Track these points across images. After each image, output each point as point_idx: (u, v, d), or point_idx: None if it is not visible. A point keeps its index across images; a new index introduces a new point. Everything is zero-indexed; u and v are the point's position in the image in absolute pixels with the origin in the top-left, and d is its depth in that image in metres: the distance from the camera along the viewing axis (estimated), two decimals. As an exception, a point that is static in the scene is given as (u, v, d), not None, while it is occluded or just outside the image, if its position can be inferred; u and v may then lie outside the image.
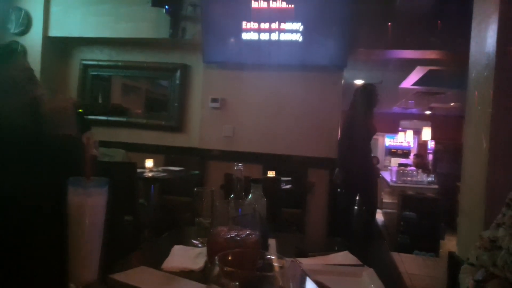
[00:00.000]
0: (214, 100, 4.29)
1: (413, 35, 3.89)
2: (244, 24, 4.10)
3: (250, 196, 1.21)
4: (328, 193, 4.16)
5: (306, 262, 1.10)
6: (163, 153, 4.48)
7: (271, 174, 3.42)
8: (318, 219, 4.09)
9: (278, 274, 0.47)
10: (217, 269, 0.62)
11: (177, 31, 4.33)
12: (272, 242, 1.21)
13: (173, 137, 4.64)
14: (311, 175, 4.08)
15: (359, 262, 1.14)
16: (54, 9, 4.73)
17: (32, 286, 0.79)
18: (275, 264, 0.54)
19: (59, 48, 4.87)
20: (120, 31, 4.52)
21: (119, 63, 4.87)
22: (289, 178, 3.69)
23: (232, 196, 1.16)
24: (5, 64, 1.17)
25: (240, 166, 1.21)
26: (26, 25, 4.71)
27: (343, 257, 1.19)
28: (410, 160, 9.61)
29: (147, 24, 4.44)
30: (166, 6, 4.20)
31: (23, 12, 4.69)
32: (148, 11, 4.35)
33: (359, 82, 6.34)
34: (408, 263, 4.04)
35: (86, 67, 4.92)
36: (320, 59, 3.99)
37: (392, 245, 4.98)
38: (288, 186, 3.57)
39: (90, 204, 0.71)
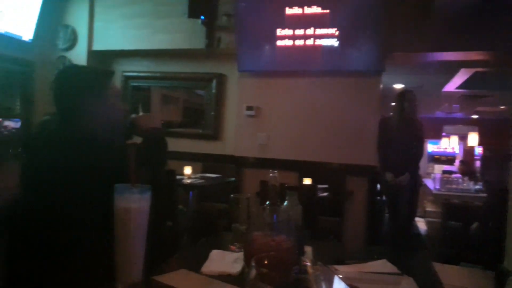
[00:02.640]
0: (249, 108, 4.33)
1: (455, 35, 3.73)
2: (278, 32, 4.13)
3: (285, 203, 1.23)
4: (367, 201, 4.08)
5: (343, 269, 1.10)
6: (200, 161, 4.58)
7: (307, 181, 3.40)
8: (356, 228, 4.02)
9: (312, 278, 0.48)
10: (253, 273, 0.64)
11: (212, 41, 4.43)
12: (308, 249, 1.22)
13: (209, 145, 4.73)
14: (349, 183, 4.02)
15: (397, 271, 1.12)
16: (97, 24, 4.98)
17: (83, 285, 0.84)
18: (310, 269, 0.56)
19: (102, 61, 5.11)
20: (157, 43, 4.69)
21: (158, 74, 5.04)
22: (326, 186, 3.65)
23: (267, 203, 1.18)
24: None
25: (275, 173, 1.23)
26: (72, 41, 4.99)
27: (381, 265, 1.17)
28: (455, 167, 9.22)
29: (183, 35, 4.57)
30: (202, 17, 4.31)
31: (70, 28, 4.98)
32: (184, 23, 4.48)
33: (398, 86, 6.19)
34: (452, 275, 3.86)
35: (126, 79, 5.13)
36: (357, 64, 3.94)
37: (435, 255, 4.79)
38: (325, 194, 3.54)
39: (134, 209, 0.75)
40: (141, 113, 1.53)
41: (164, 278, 0.90)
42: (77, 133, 1.25)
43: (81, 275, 0.94)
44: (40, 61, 4.87)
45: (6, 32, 4.34)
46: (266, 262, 0.63)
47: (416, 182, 3.89)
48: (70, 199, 1.04)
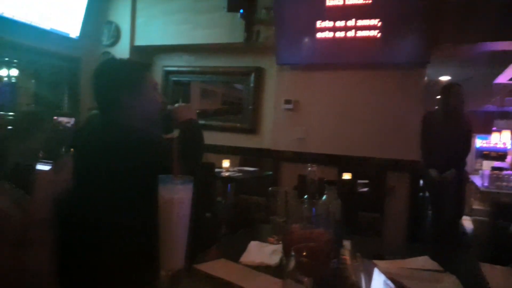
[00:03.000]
0: (287, 101, 4.32)
1: (509, 24, 3.52)
2: (318, 24, 4.08)
3: (324, 197, 1.22)
4: (409, 198, 3.97)
5: (382, 265, 1.08)
6: (238, 154, 4.63)
7: (346, 176, 3.35)
8: (397, 224, 3.91)
9: (351, 269, 0.48)
10: (292, 264, 0.65)
11: (251, 34, 4.44)
12: (346, 243, 1.21)
13: (247, 138, 4.77)
14: (390, 178, 3.91)
15: (440, 268, 1.09)
16: (139, 20, 5.13)
17: (131, 271, 0.89)
18: (349, 261, 0.56)
19: (144, 56, 5.26)
20: (197, 38, 4.76)
21: (197, 69, 5.13)
22: (366, 181, 3.58)
23: (306, 196, 1.18)
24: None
25: (313, 167, 1.23)
26: (116, 37, 5.18)
27: (423, 261, 1.14)
28: (507, 163, 8.70)
29: (223, 29, 4.62)
30: (241, 11, 4.33)
31: (113, 25, 5.17)
32: (223, 17, 4.52)
33: (445, 79, 5.93)
34: (499, 276, 3.69)
35: (167, 73, 5.26)
36: (400, 56, 3.81)
37: (482, 255, 4.58)
38: (365, 189, 3.48)
39: (177, 199, 0.77)
40: (177, 104, 1.56)
41: (204, 267, 0.93)
42: (117, 125, 1.29)
43: (128, 262, 0.99)
44: (86, 57, 5.10)
45: (54, 29, 4.57)
46: (304, 253, 0.64)
47: (462, 179, 3.73)
48: (114, 191, 1.09)
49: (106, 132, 1.26)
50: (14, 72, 4.60)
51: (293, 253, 0.62)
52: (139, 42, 5.14)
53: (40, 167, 0.91)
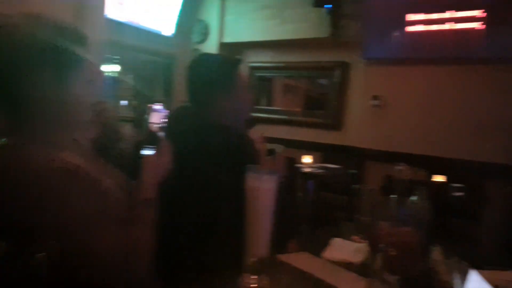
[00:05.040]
0: (374, 97, 4.15)
1: None
2: (410, 16, 3.85)
3: (413, 198, 1.17)
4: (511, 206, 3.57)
5: (483, 274, 1.00)
6: (320, 151, 4.58)
7: (438, 178, 3.13)
8: (495, 233, 3.55)
9: (441, 270, 0.46)
10: (379, 262, 0.63)
11: (337, 29, 4.35)
12: (437, 247, 1.14)
13: (330, 135, 4.69)
14: (490, 184, 3.55)
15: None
16: (227, 17, 5.32)
17: (219, 255, 0.94)
18: (441, 263, 0.53)
19: (231, 53, 5.44)
20: (283, 33, 4.79)
21: (281, 64, 5.16)
22: (461, 185, 3.30)
23: (393, 196, 1.14)
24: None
25: (401, 167, 1.17)
26: (205, 34, 5.44)
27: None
28: None
29: (308, 24, 4.58)
30: (328, 5, 4.26)
31: (203, 23, 5.43)
32: (309, 12, 4.49)
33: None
34: None
35: (252, 69, 5.38)
36: (507, 50, 3.41)
37: None
38: (459, 194, 3.21)
39: (262, 189, 0.80)
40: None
41: (287, 258, 0.95)
42: (207, 118, 1.35)
43: (217, 246, 1.05)
44: (179, 54, 5.44)
45: (151, 28, 4.96)
46: (392, 252, 0.62)
47: None
48: (206, 181, 1.16)
49: (197, 128, 1.31)
50: (116, 68, 5.08)
51: (380, 253, 0.61)
52: (227, 39, 5.33)
53: (144, 152, 1.00)
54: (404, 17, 3.87)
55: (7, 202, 0.73)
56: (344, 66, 4.60)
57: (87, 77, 0.90)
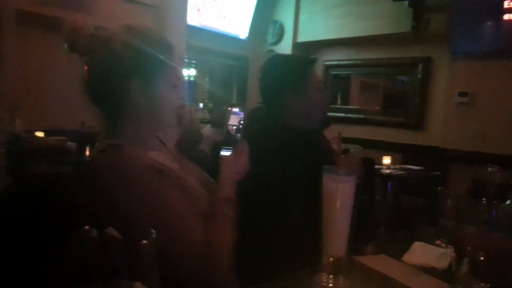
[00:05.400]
0: (461, 94, 3.86)
1: None
2: (507, 4, 3.49)
3: (507, 202, 1.07)
4: None
5: None
6: (400, 151, 4.37)
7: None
8: None
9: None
10: (465, 268, 0.60)
11: (420, 23, 4.11)
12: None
13: (412, 134, 4.45)
14: None
15: None
16: (302, 17, 5.31)
17: (296, 255, 0.96)
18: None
19: (305, 52, 5.42)
20: (360, 30, 4.66)
21: (358, 62, 5.03)
22: None
23: (483, 199, 1.06)
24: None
25: (493, 168, 1.09)
26: (280, 35, 5.49)
27: None
28: None
29: (387, 20, 4.40)
30: (409, -1, 4.06)
31: (278, 24, 5.49)
32: (388, 7, 4.31)
33: None
34: None
35: (327, 68, 5.31)
36: None
37: None
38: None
39: (340, 189, 0.80)
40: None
41: (364, 259, 0.93)
42: (281, 119, 1.36)
43: (293, 245, 1.07)
44: (253, 56, 5.56)
45: (226, 32, 5.14)
46: (482, 258, 0.58)
47: None
48: (283, 182, 1.18)
49: (271, 129, 1.34)
50: (193, 72, 5.35)
51: (467, 259, 0.58)
52: (302, 38, 5.32)
53: (223, 152, 1.05)
54: (500, 6, 3.52)
55: (110, 196, 0.82)
56: (427, 62, 4.34)
57: (171, 82, 0.97)
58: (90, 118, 1.00)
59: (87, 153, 2.68)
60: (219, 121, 3.32)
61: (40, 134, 3.08)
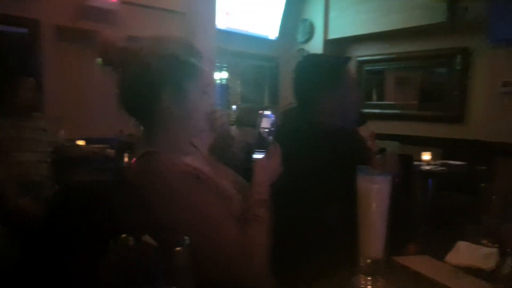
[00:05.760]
0: (505, 84, 3.66)
1: None
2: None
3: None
4: None
5: None
6: (440, 146, 4.21)
7: None
8: None
9: None
10: (508, 269, 0.57)
11: (456, 11, 3.95)
12: None
13: (452, 128, 4.28)
14: None
15: None
16: (332, 14, 5.24)
17: (333, 257, 0.95)
18: None
19: (337, 49, 5.34)
20: (392, 23, 4.54)
21: (393, 56, 4.90)
22: None
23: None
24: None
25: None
26: (310, 33, 5.44)
27: None
28: None
29: (421, 10, 4.26)
30: (444, -12, 3.90)
31: (308, 22, 5.44)
32: (421, -3, 4.18)
33: None
34: None
35: (360, 64, 5.20)
36: None
37: None
38: None
39: (376, 190, 0.78)
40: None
41: (404, 260, 0.91)
42: (316, 119, 1.35)
43: (329, 246, 1.05)
44: (283, 56, 5.55)
45: (256, 33, 5.16)
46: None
47: None
48: (317, 183, 1.17)
49: (306, 130, 1.33)
50: (224, 75, 5.41)
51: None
52: (333, 35, 5.25)
53: (256, 155, 1.06)
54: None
55: (147, 202, 0.84)
56: (466, 52, 4.16)
57: (202, 88, 0.98)
58: (129, 126, 1.03)
59: (125, 159, 2.77)
60: (243, 121, 3.37)
61: (81, 142, 3.22)
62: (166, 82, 0.92)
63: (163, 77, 0.92)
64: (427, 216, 3.29)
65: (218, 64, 5.09)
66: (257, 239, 0.87)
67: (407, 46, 4.70)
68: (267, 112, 1.13)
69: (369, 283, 0.78)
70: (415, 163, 3.36)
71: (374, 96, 5.24)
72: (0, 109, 2.43)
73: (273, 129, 1.10)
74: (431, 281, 0.82)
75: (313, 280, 0.83)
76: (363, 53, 5.18)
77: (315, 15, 5.37)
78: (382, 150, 1.38)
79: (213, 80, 1.22)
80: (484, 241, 1.12)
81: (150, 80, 0.92)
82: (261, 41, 5.28)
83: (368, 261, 0.78)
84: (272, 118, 1.11)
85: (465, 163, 3.63)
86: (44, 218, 2.19)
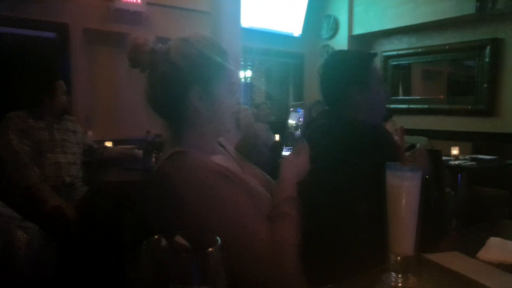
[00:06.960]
0: (537, 75, 3.53)
1: None
2: None
3: None
4: None
5: None
6: (470, 140, 4.09)
7: None
8: None
9: None
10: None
11: (485, 2, 3.82)
12: None
13: (482, 122, 4.16)
14: None
15: None
16: (356, 9, 5.17)
17: (363, 254, 0.94)
18: None
19: (362, 45, 5.28)
20: (419, 17, 4.44)
21: (419, 50, 4.79)
22: None
23: None
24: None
25: None
26: (334, 29, 5.39)
27: None
28: None
29: (448, 3, 4.15)
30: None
31: (332, 18, 5.39)
32: (448, -11, 4.07)
33: None
34: None
35: (386, 59, 5.12)
36: None
37: None
38: None
39: (405, 186, 0.77)
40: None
41: (435, 257, 0.89)
42: (344, 115, 1.35)
43: (357, 243, 1.05)
44: (308, 52, 5.51)
45: (281, 31, 5.15)
46: None
47: None
48: (346, 180, 1.16)
49: (334, 125, 1.33)
50: (249, 73, 5.42)
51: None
52: (358, 31, 5.19)
53: (284, 152, 1.06)
54: None
55: (177, 202, 0.86)
56: (496, 43, 4.03)
57: (228, 87, 0.99)
58: (156, 126, 1.05)
59: (153, 160, 2.82)
60: (262, 117, 3.38)
61: (109, 144, 3.30)
62: (194, 82, 0.94)
63: (190, 78, 0.93)
64: (459, 212, 3.21)
65: (242, 63, 5.11)
66: (287, 237, 0.87)
67: (435, 39, 4.59)
68: (296, 108, 1.13)
69: (400, 280, 0.77)
70: (445, 158, 3.28)
71: (401, 91, 5.14)
72: (36, 111, 2.52)
73: (301, 124, 1.10)
74: (465, 278, 0.81)
75: (342, 278, 0.82)
76: (389, 48, 5.09)
77: (340, 11, 5.31)
78: (412, 147, 1.36)
79: (238, 79, 1.22)
80: (519, 238, 1.09)
81: (177, 81, 0.93)
82: (285, 38, 5.28)
83: (399, 258, 0.77)
84: (300, 113, 1.11)
85: (496, 157, 3.52)
86: (77, 219, 2.25)
